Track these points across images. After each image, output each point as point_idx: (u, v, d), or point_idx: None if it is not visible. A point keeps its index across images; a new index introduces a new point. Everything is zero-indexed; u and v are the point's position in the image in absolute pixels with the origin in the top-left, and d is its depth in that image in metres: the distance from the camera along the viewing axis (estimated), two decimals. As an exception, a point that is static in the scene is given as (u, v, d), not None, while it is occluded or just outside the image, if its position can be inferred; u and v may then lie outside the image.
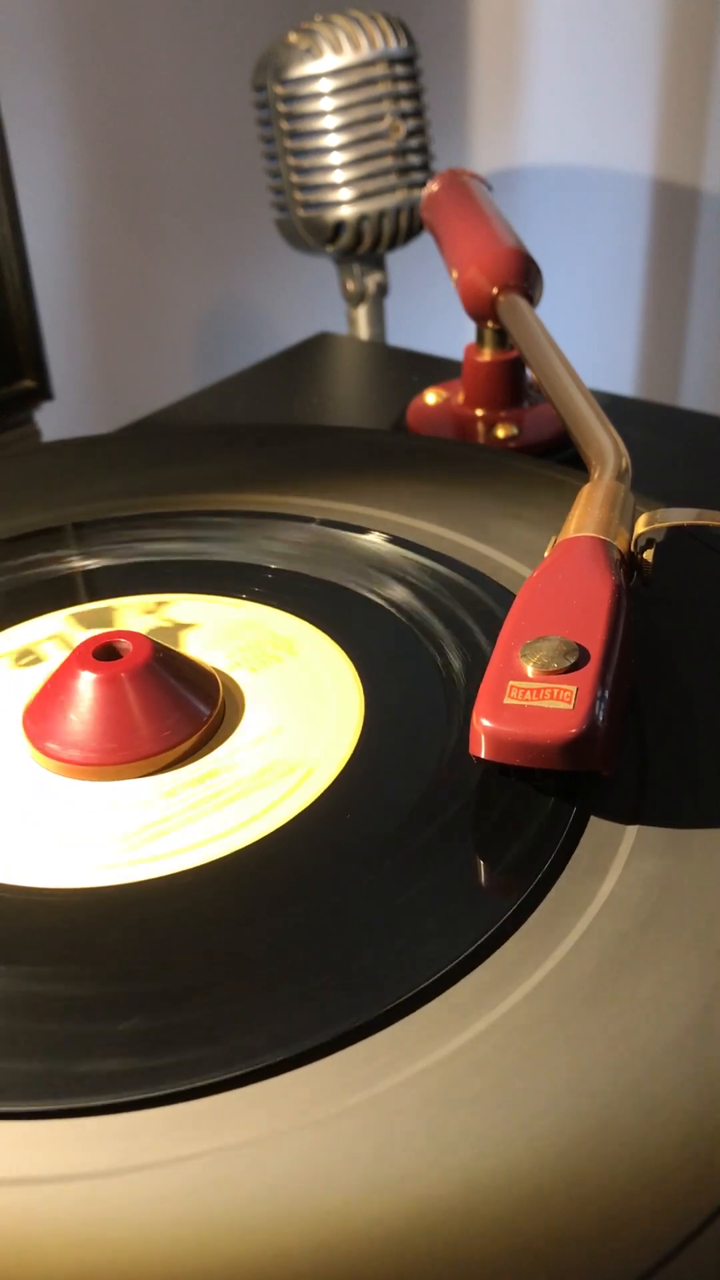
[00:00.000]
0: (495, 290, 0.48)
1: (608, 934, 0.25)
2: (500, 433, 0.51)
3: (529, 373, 0.50)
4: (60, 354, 0.68)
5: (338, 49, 0.64)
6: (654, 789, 0.29)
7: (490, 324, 0.50)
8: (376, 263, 0.73)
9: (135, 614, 0.37)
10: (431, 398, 0.54)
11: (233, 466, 0.45)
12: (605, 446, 0.37)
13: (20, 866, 0.28)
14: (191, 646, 0.35)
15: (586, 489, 0.34)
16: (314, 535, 0.40)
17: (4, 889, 0.28)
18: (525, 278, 0.48)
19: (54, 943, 0.26)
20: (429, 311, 0.86)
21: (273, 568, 0.39)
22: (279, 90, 0.65)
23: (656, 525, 0.32)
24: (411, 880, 0.27)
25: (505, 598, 0.36)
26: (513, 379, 0.52)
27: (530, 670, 0.27)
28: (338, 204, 0.67)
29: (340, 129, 0.65)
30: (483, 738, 0.27)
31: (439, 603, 0.36)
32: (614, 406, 0.54)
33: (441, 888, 0.26)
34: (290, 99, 0.65)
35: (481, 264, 0.48)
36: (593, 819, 0.28)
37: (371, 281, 0.73)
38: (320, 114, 0.65)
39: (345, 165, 0.66)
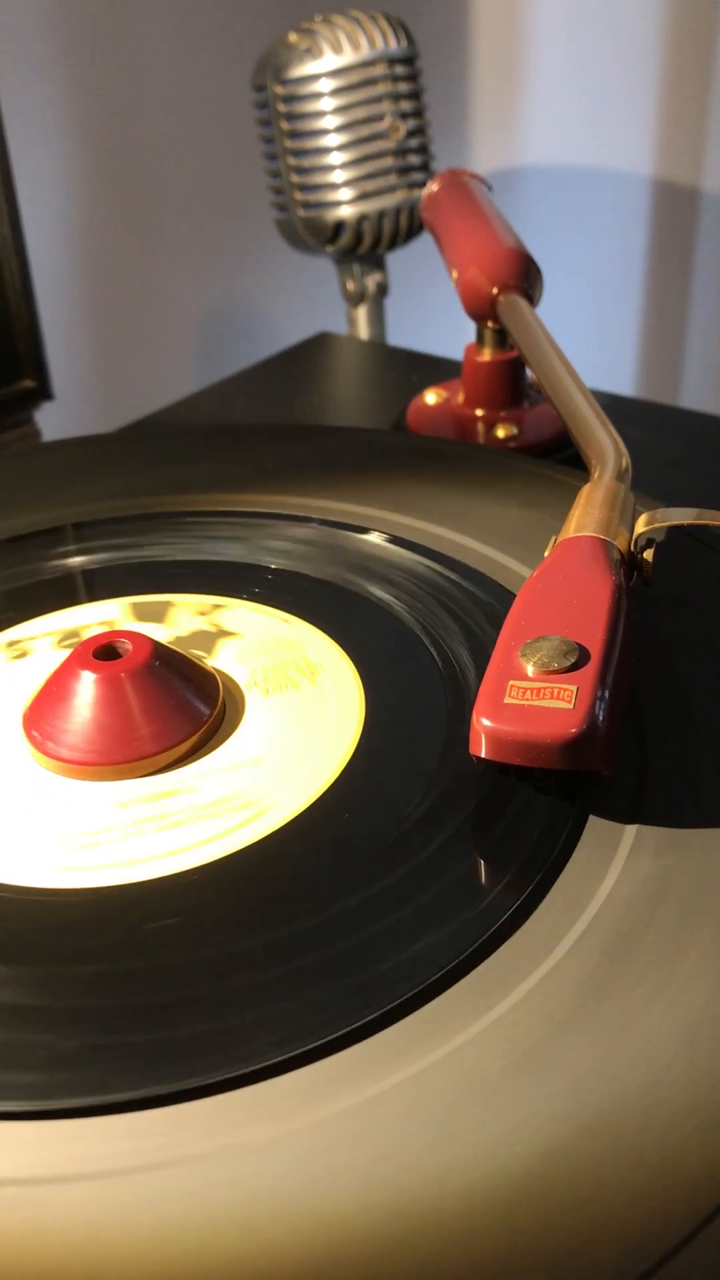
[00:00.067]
0: (495, 290, 0.48)
1: (608, 934, 0.25)
2: (500, 433, 0.51)
3: (529, 373, 0.50)
4: (60, 354, 0.68)
5: (338, 49, 0.64)
6: (654, 789, 0.29)
7: (490, 324, 0.50)
8: (376, 263, 0.73)
9: (189, 613, 0.37)
10: (431, 398, 0.54)
11: (232, 466, 0.45)
12: (605, 446, 0.37)
13: (20, 866, 0.28)
14: (223, 655, 0.35)
15: (586, 489, 0.34)
16: (314, 533, 0.40)
17: (4, 889, 0.28)
18: (525, 278, 0.48)
19: (52, 943, 0.26)
20: (429, 311, 0.86)
21: (273, 567, 0.39)
22: (279, 90, 0.65)
23: (656, 525, 0.32)
24: (411, 880, 0.27)
25: (505, 597, 0.36)
26: (513, 379, 0.52)
27: (530, 670, 0.27)
28: (338, 204, 0.67)
29: (340, 129, 0.65)
30: (483, 737, 0.27)
31: (439, 603, 0.36)
32: (614, 406, 0.54)
33: (441, 887, 0.26)
34: (290, 99, 0.65)
35: (481, 264, 0.48)
36: (592, 819, 0.28)
37: (371, 281, 0.73)
38: (320, 114, 0.65)
39: (345, 165, 0.66)
